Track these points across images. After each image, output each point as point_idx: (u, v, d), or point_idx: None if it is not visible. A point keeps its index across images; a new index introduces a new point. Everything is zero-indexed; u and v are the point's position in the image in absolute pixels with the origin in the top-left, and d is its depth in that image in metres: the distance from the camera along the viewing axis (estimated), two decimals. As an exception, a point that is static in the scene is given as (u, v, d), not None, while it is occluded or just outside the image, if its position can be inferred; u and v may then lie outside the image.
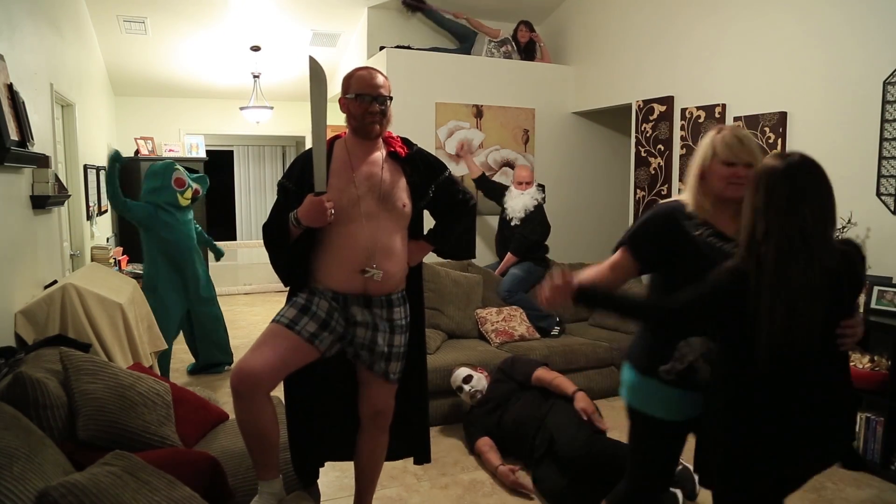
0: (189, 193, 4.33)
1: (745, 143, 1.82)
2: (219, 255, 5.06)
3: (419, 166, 2.27)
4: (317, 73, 2.11)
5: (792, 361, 1.59)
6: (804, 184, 1.58)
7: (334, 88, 6.84)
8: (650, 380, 1.89)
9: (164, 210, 4.23)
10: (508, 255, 4.76)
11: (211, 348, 4.62)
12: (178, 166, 4.36)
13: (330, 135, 2.27)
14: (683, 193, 1.95)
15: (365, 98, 2.12)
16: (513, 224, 4.77)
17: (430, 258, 2.78)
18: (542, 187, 4.97)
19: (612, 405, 4.14)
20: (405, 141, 2.30)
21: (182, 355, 4.85)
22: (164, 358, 4.23)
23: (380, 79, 2.16)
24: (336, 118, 2.61)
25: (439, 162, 2.36)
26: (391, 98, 2.19)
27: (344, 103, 2.19)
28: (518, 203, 4.76)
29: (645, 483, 1.99)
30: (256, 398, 2.00)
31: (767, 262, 1.56)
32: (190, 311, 4.48)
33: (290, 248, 2.17)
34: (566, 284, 1.76)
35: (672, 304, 1.71)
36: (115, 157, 4.33)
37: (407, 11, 5.73)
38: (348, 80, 2.17)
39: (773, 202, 1.58)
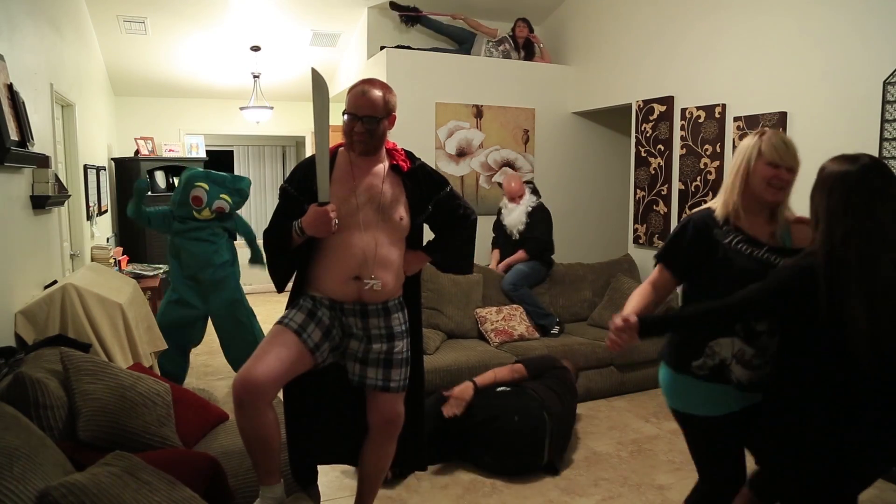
0: (207, 212, 4.06)
1: (789, 147, 1.87)
2: (254, 258, 4.64)
3: (420, 181, 2.25)
4: (319, 84, 2.10)
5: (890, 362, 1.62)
6: (879, 185, 1.63)
7: (335, 89, 6.84)
8: (685, 377, 1.94)
9: (178, 221, 4.08)
10: (521, 252, 4.71)
11: (242, 354, 4.21)
12: (205, 181, 4.04)
13: (332, 135, 2.26)
14: (713, 201, 2.00)
15: (352, 117, 2.11)
16: (514, 238, 4.74)
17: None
18: (531, 186, 4.92)
19: (612, 405, 4.14)
20: (409, 154, 2.29)
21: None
22: (175, 363, 4.08)
23: (372, 96, 2.10)
24: (338, 119, 2.61)
25: (441, 177, 2.33)
26: (385, 117, 2.13)
27: None
28: (514, 217, 4.71)
29: (717, 482, 2.02)
30: (259, 407, 2.00)
31: (852, 263, 1.60)
32: (215, 319, 4.24)
33: (291, 254, 2.17)
34: (628, 324, 1.82)
35: (733, 301, 1.76)
36: (142, 189, 4.08)
37: (405, 24, 5.74)
38: (348, 93, 2.16)
39: (851, 205, 1.62)
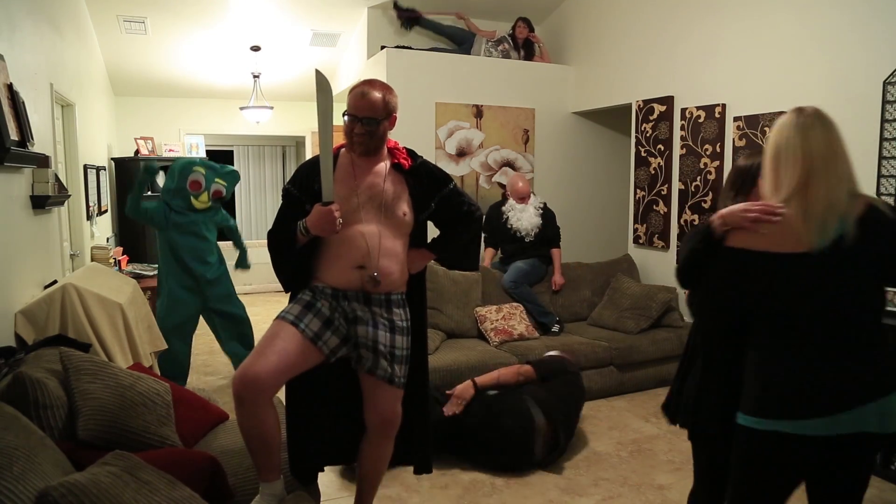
0: (205, 197, 4.08)
1: None
2: (242, 262, 4.62)
3: (422, 179, 2.26)
4: (323, 85, 2.09)
5: None
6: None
7: (335, 90, 6.83)
8: None
9: (175, 212, 4.06)
10: (557, 252, 4.84)
11: (238, 349, 4.34)
12: (200, 165, 4.10)
13: (336, 133, 2.27)
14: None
15: (352, 118, 2.12)
16: (527, 241, 4.72)
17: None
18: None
19: (612, 405, 4.14)
20: (410, 153, 2.29)
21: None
22: (174, 363, 4.10)
23: (372, 97, 2.10)
24: (340, 119, 2.61)
25: (443, 174, 2.33)
26: (385, 118, 2.14)
27: None
28: (525, 220, 4.69)
29: None
30: (260, 404, 1.99)
31: None
32: (207, 312, 4.29)
33: (296, 254, 2.18)
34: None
35: None
36: (152, 170, 4.10)
37: (403, 27, 5.74)
38: (348, 94, 2.16)
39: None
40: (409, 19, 5.71)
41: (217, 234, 4.34)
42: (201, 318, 4.38)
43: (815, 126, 1.67)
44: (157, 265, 5.47)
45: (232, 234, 4.56)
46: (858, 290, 1.60)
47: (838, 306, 1.60)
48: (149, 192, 6.54)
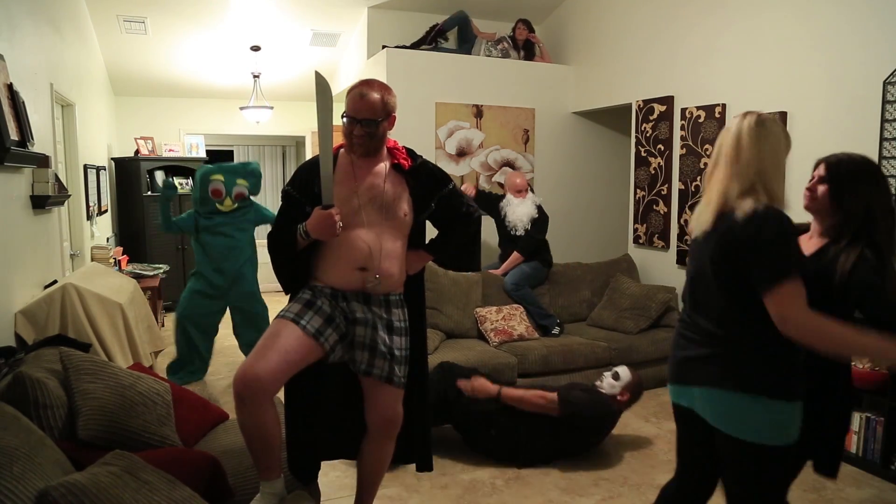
0: (229, 201, 4.26)
1: None
2: None
3: (422, 179, 2.26)
4: (322, 87, 2.09)
5: None
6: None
7: (335, 89, 6.82)
8: (798, 403, 1.71)
9: (203, 217, 4.26)
10: (515, 254, 4.69)
11: (254, 341, 4.45)
12: (218, 172, 4.24)
13: (335, 133, 2.27)
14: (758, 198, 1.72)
15: (351, 120, 2.12)
16: (517, 234, 4.67)
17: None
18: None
19: (612, 405, 4.14)
20: (410, 152, 2.29)
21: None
22: (187, 354, 4.18)
23: (371, 99, 2.09)
24: (339, 119, 2.61)
25: (443, 174, 2.33)
26: (384, 119, 2.13)
27: None
28: (521, 212, 4.66)
29: None
30: (260, 403, 1.99)
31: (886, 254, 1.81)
32: (233, 310, 4.42)
33: (296, 256, 2.18)
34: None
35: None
36: (168, 190, 4.30)
37: (435, 46, 5.67)
38: (347, 95, 2.16)
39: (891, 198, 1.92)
40: (436, 36, 5.65)
41: (252, 231, 4.49)
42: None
43: (736, 131, 1.94)
44: (157, 265, 5.71)
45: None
46: (708, 279, 1.77)
47: (695, 288, 1.85)
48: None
